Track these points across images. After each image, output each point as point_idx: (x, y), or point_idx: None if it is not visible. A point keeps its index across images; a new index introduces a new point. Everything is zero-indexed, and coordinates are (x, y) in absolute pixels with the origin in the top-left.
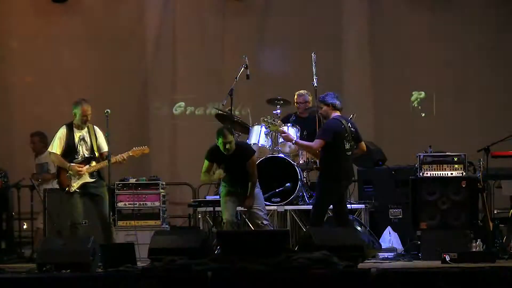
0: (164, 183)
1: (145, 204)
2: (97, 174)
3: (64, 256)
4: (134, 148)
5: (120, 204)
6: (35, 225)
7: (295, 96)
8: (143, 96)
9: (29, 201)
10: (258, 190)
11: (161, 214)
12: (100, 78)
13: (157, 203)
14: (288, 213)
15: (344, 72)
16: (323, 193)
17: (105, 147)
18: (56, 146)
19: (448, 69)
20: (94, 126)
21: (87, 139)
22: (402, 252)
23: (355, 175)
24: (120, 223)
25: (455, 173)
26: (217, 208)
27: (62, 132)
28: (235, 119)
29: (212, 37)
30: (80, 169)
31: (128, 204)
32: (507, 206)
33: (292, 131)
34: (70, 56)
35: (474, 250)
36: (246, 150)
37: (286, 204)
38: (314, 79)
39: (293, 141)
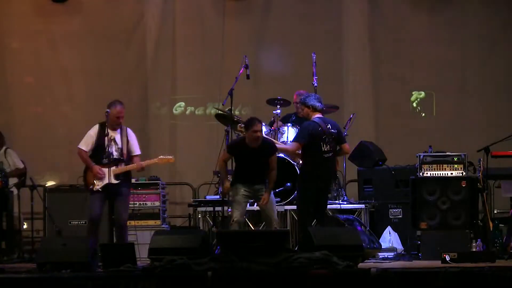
0: (164, 183)
1: (145, 204)
2: (123, 176)
3: (64, 256)
4: (160, 156)
5: None
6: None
7: (294, 96)
8: (143, 96)
9: (29, 201)
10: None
11: (161, 214)
12: (100, 78)
13: (157, 203)
14: (288, 213)
15: (344, 72)
16: (301, 194)
17: (136, 151)
18: (84, 142)
19: (448, 69)
20: (128, 128)
21: (118, 140)
22: (402, 252)
23: (355, 175)
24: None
25: (455, 173)
26: (217, 208)
27: (93, 130)
28: (235, 119)
29: (212, 37)
30: (100, 172)
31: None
32: (507, 206)
33: (292, 131)
34: (70, 56)
35: (474, 250)
36: (270, 146)
37: (286, 204)
38: (314, 79)
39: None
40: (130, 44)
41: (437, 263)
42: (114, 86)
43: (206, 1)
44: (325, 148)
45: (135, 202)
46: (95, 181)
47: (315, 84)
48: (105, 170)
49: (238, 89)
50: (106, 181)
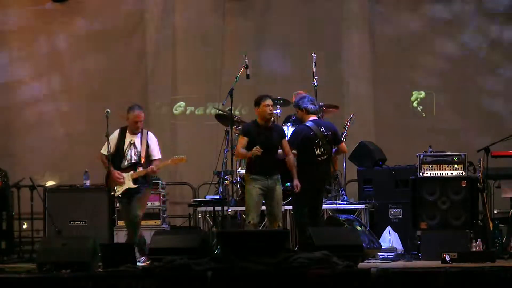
0: (164, 183)
1: None
2: (141, 180)
3: (64, 256)
4: (174, 157)
5: (120, 204)
6: None
7: (293, 97)
8: (143, 96)
9: (29, 201)
10: (281, 193)
11: (161, 214)
12: (100, 78)
13: (157, 203)
14: (288, 213)
15: (344, 72)
16: (296, 197)
17: (156, 155)
18: (104, 147)
19: (448, 69)
20: (149, 132)
21: (138, 144)
22: (402, 252)
23: (355, 175)
24: (120, 223)
25: (455, 173)
26: (217, 208)
27: (114, 134)
28: (235, 119)
29: (212, 37)
30: (119, 177)
31: None
32: (507, 206)
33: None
34: (70, 56)
35: (474, 250)
36: (280, 127)
37: (286, 204)
38: (314, 79)
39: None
40: (130, 44)
41: (437, 263)
42: (114, 86)
43: (206, 1)
44: (318, 151)
45: None
46: (115, 187)
47: (315, 84)
48: (125, 175)
49: (238, 89)
50: (125, 186)
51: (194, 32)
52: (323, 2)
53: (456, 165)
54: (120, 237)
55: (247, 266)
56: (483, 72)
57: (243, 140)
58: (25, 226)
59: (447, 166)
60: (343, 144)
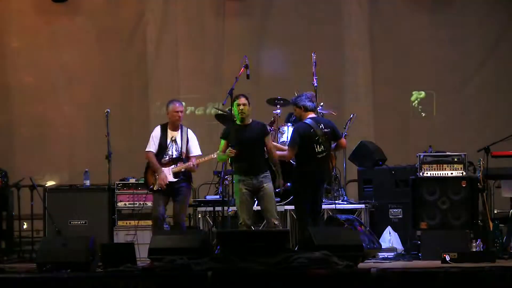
0: None
1: (145, 204)
2: (182, 175)
3: (64, 256)
4: (212, 155)
5: (120, 204)
6: None
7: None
8: (144, 96)
9: (29, 201)
10: (272, 188)
11: None
12: (100, 78)
13: None
14: (288, 213)
15: (344, 72)
16: (297, 195)
17: (195, 151)
18: (150, 145)
19: (448, 69)
20: (189, 129)
21: (179, 140)
22: (402, 252)
23: (355, 175)
24: (120, 223)
25: (455, 173)
26: (217, 208)
27: (156, 131)
28: (235, 119)
29: (212, 37)
30: (162, 183)
31: (128, 204)
32: (507, 206)
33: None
34: (71, 56)
35: (474, 250)
36: (261, 124)
37: (286, 204)
38: (314, 79)
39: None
40: (130, 44)
41: (437, 263)
42: (114, 86)
43: (206, 1)
44: (318, 149)
45: (135, 202)
46: (156, 181)
47: (315, 84)
48: (165, 169)
49: (238, 89)
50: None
51: (194, 32)
52: (323, 2)
53: (456, 165)
54: (120, 237)
55: (247, 266)
56: (483, 72)
57: (222, 144)
58: (25, 226)
59: (447, 166)
60: (343, 139)
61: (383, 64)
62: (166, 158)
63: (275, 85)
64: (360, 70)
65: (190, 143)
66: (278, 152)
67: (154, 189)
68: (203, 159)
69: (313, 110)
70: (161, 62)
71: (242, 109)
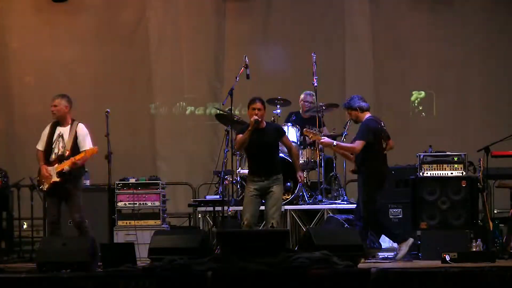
0: (164, 183)
1: (145, 204)
2: (68, 174)
3: (64, 256)
4: (85, 148)
5: (120, 204)
6: None
7: (302, 95)
8: (144, 95)
9: (29, 201)
10: (280, 191)
11: (161, 214)
12: (101, 78)
13: (157, 203)
14: (288, 213)
15: (344, 72)
16: (370, 192)
17: (84, 147)
18: (39, 142)
19: (448, 69)
20: (80, 124)
21: (66, 136)
22: None
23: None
24: (120, 223)
25: (455, 173)
26: (217, 208)
27: (46, 128)
28: (235, 119)
29: (212, 37)
30: (47, 174)
31: (128, 204)
32: (507, 206)
33: (292, 131)
34: (71, 56)
35: (474, 250)
36: (277, 127)
37: (286, 204)
38: (314, 79)
39: (334, 144)
40: (131, 45)
41: (437, 263)
42: (114, 86)
43: (207, 1)
44: (384, 145)
45: (135, 202)
46: (44, 181)
47: (315, 84)
48: (50, 168)
49: (238, 89)
50: (51, 180)
51: (195, 32)
52: (323, 2)
53: (456, 165)
54: (120, 237)
55: (247, 266)
56: (483, 72)
57: (238, 135)
58: (25, 226)
59: (447, 166)
60: (391, 140)
61: (383, 64)
62: (53, 156)
63: (275, 85)
64: (361, 70)
65: (79, 138)
66: (346, 144)
67: (44, 189)
68: (83, 153)
69: (369, 109)
70: (161, 62)
71: (256, 114)
